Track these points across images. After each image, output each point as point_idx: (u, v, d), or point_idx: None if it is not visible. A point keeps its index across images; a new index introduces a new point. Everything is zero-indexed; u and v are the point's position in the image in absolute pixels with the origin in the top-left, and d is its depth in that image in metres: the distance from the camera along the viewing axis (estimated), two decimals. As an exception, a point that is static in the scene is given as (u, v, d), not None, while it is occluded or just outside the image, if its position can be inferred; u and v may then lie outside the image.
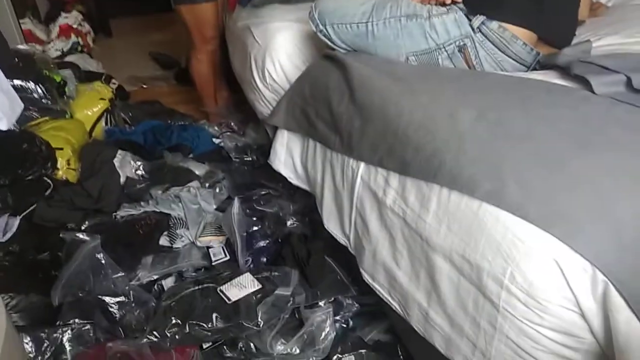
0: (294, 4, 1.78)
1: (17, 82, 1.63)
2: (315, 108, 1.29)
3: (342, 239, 1.23)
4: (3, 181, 1.33)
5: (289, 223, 1.53)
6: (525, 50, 1.15)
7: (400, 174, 0.97)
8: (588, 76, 0.95)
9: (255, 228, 1.47)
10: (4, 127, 1.43)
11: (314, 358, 1.16)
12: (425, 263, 0.90)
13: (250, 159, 1.94)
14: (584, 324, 0.71)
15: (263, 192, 1.65)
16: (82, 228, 1.41)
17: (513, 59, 1.16)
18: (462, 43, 1.16)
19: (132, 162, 1.67)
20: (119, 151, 1.68)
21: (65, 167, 1.57)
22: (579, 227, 0.71)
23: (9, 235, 1.33)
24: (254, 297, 1.17)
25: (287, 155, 1.47)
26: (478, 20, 1.14)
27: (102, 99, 1.97)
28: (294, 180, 1.47)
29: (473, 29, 1.15)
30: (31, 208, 1.40)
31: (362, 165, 1.10)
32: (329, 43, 1.32)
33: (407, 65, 1.22)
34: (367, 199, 1.08)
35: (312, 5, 1.33)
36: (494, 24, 1.13)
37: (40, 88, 1.68)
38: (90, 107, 1.92)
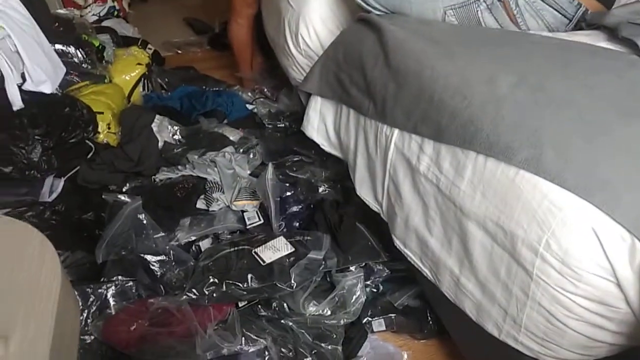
0: (329, -35, 1.74)
1: (58, 46, 1.67)
2: (349, 74, 1.28)
3: (374, 206, 1.24)
4: (48, 144, 1.38)
5: (321, 189, 1.54)
6: None
7: (435, 140, 0.96)
8: (637, 39, 0.90)
9: (288, 193, 1.49)
10: (47, 91, 1.48)
11: (345, 320, 1.19)
12: (459, 230, 0.90)
13: (283, 125, 1.95)
14: (619, 293, 0.70)
15: (295, 159, 1.66)
16: (123, 190, 1.47)
17: (554, 8, 1.11)
18: None
19: (169, 127, 1.71)
20: (157, 116, 1.72)
21: (106, 131, 1.62)
22: (618, 195, 0.70)
23: (54, 195, 1.39)
24: (287, 260, 1.20)
25: (320, 122, 1.47)
26: None
27: (139, 64, 2.00)
28: (327, 148, 1.47)
29: None
30: (75, 170, 1.46)
31: (396, 131, 1.09)
32: (364, 4, 1.29)
33: (445, 25, 1.18)
34: (400, 166, 1.08)
35: (346, -35, 1.30)
36: None
37: (80, 52, 1.71)
38: (128, 72, 1.95)
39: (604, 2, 1.17)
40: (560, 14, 1.12)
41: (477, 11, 1.15)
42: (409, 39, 1.11)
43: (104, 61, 1.87)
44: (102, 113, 1.62)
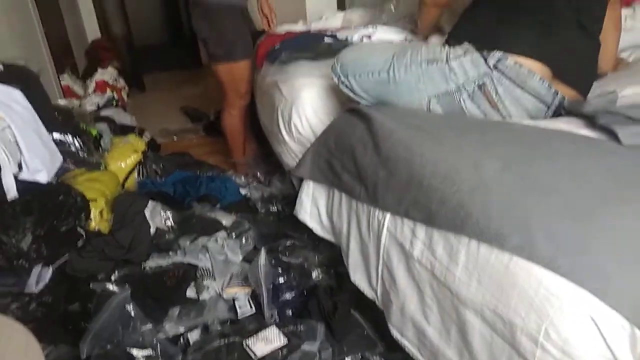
0: (319, 60, 1.85)
1: (56, 135, 1.72)
2: (340, 160, 1.31)
3: (369, 293, 1.21)
4: (39, 232, 1.37)
5: (314, 275, 1.52)
6: (542, 86, 1.16)
7: (427, 225, 0.97)
8: (614, 127, 0.94)
9: (281, 280, 1.46)
10: (43, 180, 1.50)
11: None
12: (456, 318, 0.88)
13: (276, 209, 1.96)
14: (624, 383, 0.68)
15: (288, 243, 1.65)
16: (112, 279, 1.44)
17: (532, 95, 1.17)
18: (481, 82, 1.18)
19: (162, 213, 1.71)
20: (150, 202, 1.72)
21: (98, 218, 1.61)
22: (612, 281, 0.69)
23: (41, 285, 1.36)
24: (280, 353, 1.16)
25: (313, 206, 1.48)
26: (494, 58, 1.16)
27: (135, 151, 2.05)
28: (320, 232, 1.47)
29: (490, 67, 1.17)
30: (64, 258, 1.44)
31: (388, 216, 1.10)
32: (351, 94, 1.36)
33: (430, 115, 1.24)
34: (394, 251, 1.07)
35: (335, 59, 1.39)
36: (510, 61, 1.15)
37: (78, 141, 1.76)
38: (123, 159, 1.99)
39: (581, 91, 1.24)
40: (539, 101, 1.18)
41: (460, 99, 1.21)
42: (397, 128, 1.15)
43: (100, 149, 1.91)
44: (96, 200, 1.63)
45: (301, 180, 1.54)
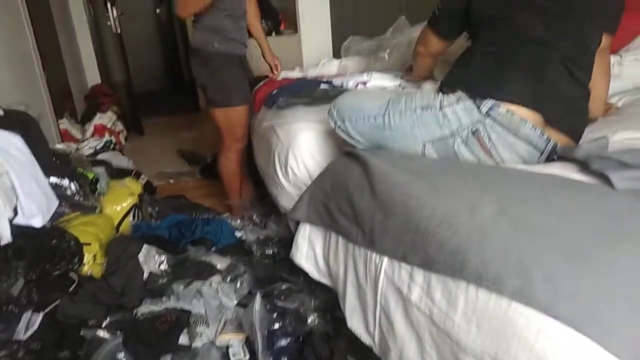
0: (315, 106, 1.89)
1: (53, 179, 1.72)
2: (336, 202, 1.31)
3: (366, 339, 1.19)
4: (30, 277, 1.35)
5: (310, 320, 1.49)
6: (535, 133, 1.18)
7: (425, 269, 0.96)
8: (607, 171, 0.96)
9: (276, 326, 1.43)
10: (38, 224, 1.49)
11: None
12: (456, 365, 0.86)
13: (271, 252, 1.94)
14: None
15: (284, 287, 1.63)
16: (103, 325, 1.40)
17: (525, 142, 1.19)
18: (474, 128, 1.20)
19: (156, 257, 1.69)
20: (145, 245, 1.71)
21: (91, 262, 1.60)
22: (612, 327, 0.68)
23: (30, 331, 1.32)
24: (275, 402, 1.12)
25: (309, 248, 1.47)
26: (486, 105, 1.19)
27: (131, 194, 2.05)
28: (316, 275, 1.46)
29: (482, 114, 1.19)
30: (54, 304, 1.41)
31: (386, 259, 1.09)
32: (347, 138, 1.38)
33: (426, 160, 1.25)
34: (391, 296, 1.06)
35: (332, 104, 1.42)
36: (502, 109, 1.18)
37: (74, 185, 1.76)
38: (119, 202, 1.99)
39: (573, 137, 1.26)
40: (532, 147, 1.20)
41: (454, 144, 1.23)
42: (393, 172, 1.16)
43: (96, 192, 1.91)
44: (90, 244, 1.61)
45: (297, 223, 1.54)
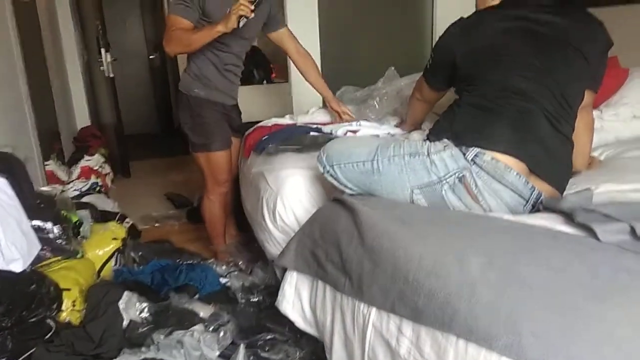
0: (305, 152, 1.91)
1: (36, 222, 1.69)
2: (324, 250, 1.30)
3: (353, 393, 1.15)
4: (6, 323, 1.30)
5: (295, 372, 1.45)
6: (520, 181, 1.20)
7: (414, 321, 0.95)
8: (592, 224, 0.97)
9: (260, 378, 1.39)
10: (18, 269, 1.45)
11: None
12: (446, 423, 0.83)
13: (256, 299, 1.91)
14: None
15: (268, 337, 1.59)
16: (78, 376, 1.34)
17: (510, 189, 1.21)
18: (461, 174, 1.22)
19: (137, 304, 1.64)
20: (126, 292, 1.66)
21: (70, 309, 1.54)
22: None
23: (1, 383, 1.26)
24: None
25: (296, 297, 1.44)
26: (472, 152, 1.22)
27: (114, 238, 2.01)
28: (302, 325, 1.42)
29: (468, 161, 1.21)
30: (29, 353, 1.35)
31: (374, 310, 1.07)
32: (336, 183, 1.39)
33: (414, 207, 1.26)
34: (379, 348, 1.04)
35: (321, 150, 1.43)
36: (487, 156, 1.20)
37: (57, 229, 1.73)
38: (102, 247, 1.95)
39: (557, 187, 1.28)
40: (517, 195, 1.22)
41: (442, 190, 1.24)
42: (381, 220, 1.16)
43: (79, 236, 1.87)
44: (70, 289, 1.57)
45: (284, 270, 1.51)
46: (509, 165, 1.20)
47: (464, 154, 1.22)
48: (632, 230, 0.94)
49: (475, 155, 1.21)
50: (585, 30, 1.35)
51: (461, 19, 1.48)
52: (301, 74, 2.34)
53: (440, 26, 2.80)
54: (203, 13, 1.94)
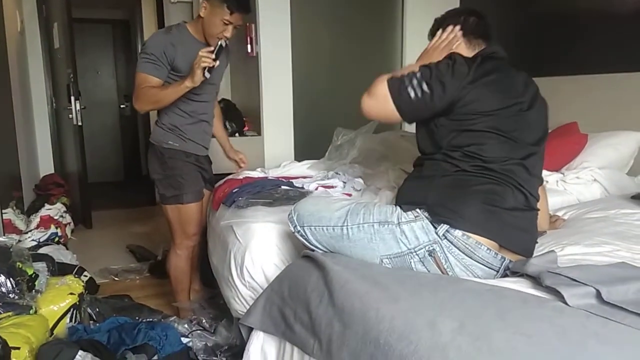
0: (276, 206, 1.90)
1: (-12, 276, 1.59)
2: (293, 309, 1.27)
3: None
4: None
5: None
6: (490, 255, 1.21)
7: (385, 387, 0.91)
8: (560, 288, 0.98)
9: None
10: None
11: None
12: None
13: (219, 361, 1.82)
14: None
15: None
16: None
17: (481, 264, 1.22)
18: (431, 248, 1.23)
19: (91, 366, 1.53)
20: (80, 352, 1.55)
21: (17, 370, 1.43)
22: None
23: None
24: None
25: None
26: (443, 228, 1.23)
27: (71, 293, 1.90)
28: (268, 392, 1.35)
29: (439, 235, 1.22)
30: (-35, 422, 1.23)
31: (344, 376, 1.03)
32: (306, 243, 1.38)
33: (385, 268, 1.25)
34: (349, 417, 0.99)
35: (292, 208, 1.42)
36: (458, 232, 1.22)
37: (11, 282, 1.63)
38: (57, 302, 1.84)
39: (526, 255, 1.29)
40: (488, 267, 1.23)
41: (411, 262, 1.25)
42: (352, 280, 1.15)
43: (34, 290, 1.77)
44: (19, 348, 1.45)
45: (250, 330, 1.46)
46: (480, 241, 1.22)
47: (435, 228, 1.23)
48: (598, 294, 0.95)
49: (446, 231, 1.22)
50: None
51: None
52: None
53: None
54: (172, 68, 1.96)
